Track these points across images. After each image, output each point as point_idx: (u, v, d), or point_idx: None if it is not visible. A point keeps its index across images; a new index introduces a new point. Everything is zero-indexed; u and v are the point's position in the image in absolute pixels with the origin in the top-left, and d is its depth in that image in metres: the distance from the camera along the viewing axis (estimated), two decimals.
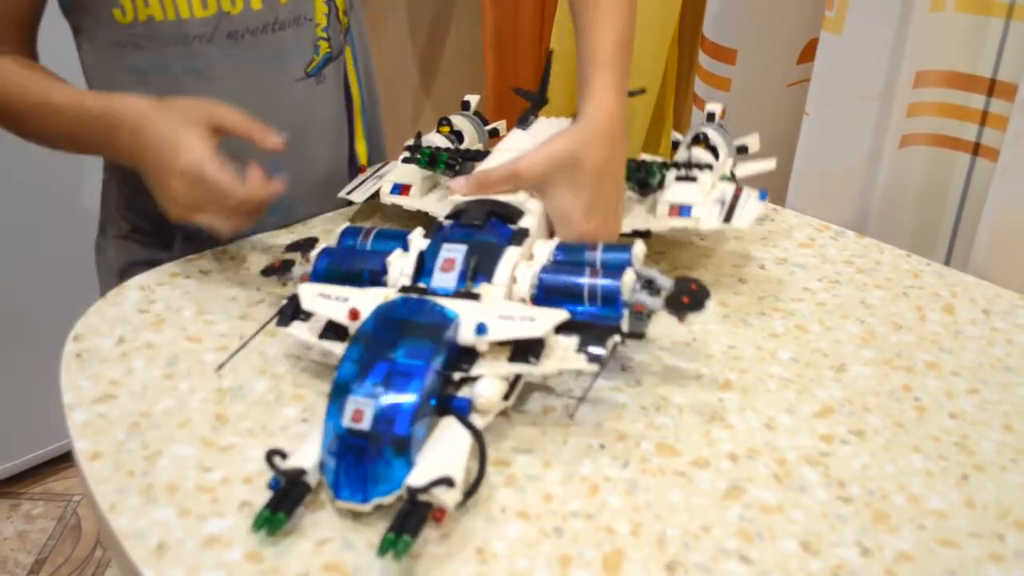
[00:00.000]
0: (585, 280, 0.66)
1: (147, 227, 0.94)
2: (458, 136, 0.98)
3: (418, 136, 0.91)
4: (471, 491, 0.57)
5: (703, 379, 0.70)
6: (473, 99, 1.03)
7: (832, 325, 0.78)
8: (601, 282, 0.66)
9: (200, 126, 0.74)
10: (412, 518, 0.53)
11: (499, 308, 0.65)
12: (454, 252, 0.69)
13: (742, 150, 0.90)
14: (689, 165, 0.83)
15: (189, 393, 0.68)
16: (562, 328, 0.64)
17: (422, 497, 0.54)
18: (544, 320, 0.63)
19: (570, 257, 0.71)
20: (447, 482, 0.54)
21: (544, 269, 0.68)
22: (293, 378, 0.70)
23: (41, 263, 1.62)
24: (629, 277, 0.66)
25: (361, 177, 0.97)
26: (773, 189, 1.08)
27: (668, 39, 1.42)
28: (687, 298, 0.64)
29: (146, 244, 0.94)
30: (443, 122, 0.98)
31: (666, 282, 0.66)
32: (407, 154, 0.90)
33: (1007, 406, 0.68)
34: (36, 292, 1.63)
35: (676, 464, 0.62)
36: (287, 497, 0.56)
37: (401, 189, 0.90)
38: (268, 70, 0.88)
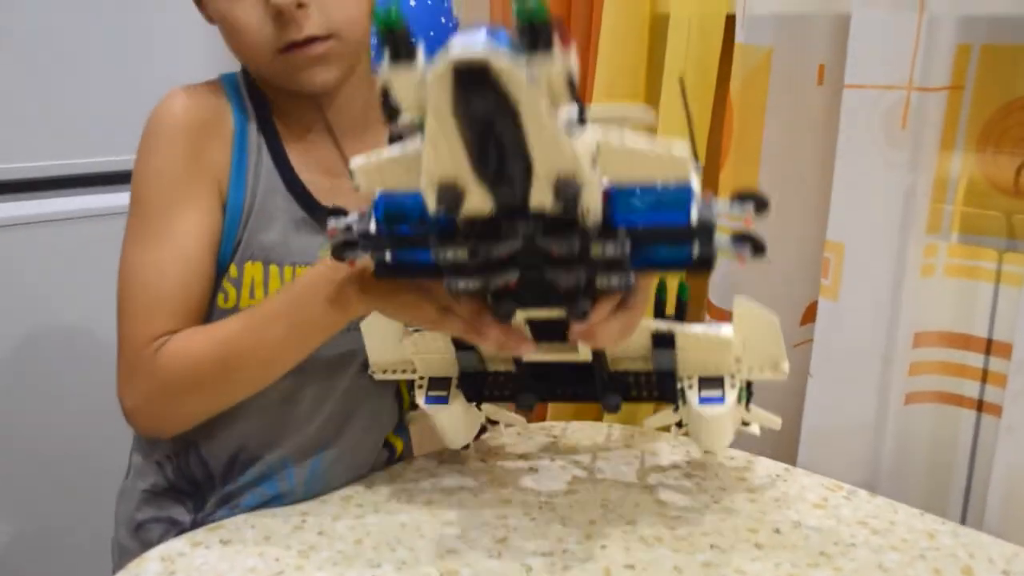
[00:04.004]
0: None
1: (187, 488, 0.95)
2: None
3: None
4: None
5: None
6: None
7: None
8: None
9: None
10: None
11: None
12: None
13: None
14: None
15: None
16: None
17: None
18: None
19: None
20: None
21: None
22: None
23: (53, 533, 1.62)
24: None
25: None
26: (783, 449, 1.10)
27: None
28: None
29: (176, 501, 0.94)
30: None
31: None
32: None
33: None
34: (46, 559, 1.62)
35: None
36: None
37: None
38: (340, 361, 0.92)
